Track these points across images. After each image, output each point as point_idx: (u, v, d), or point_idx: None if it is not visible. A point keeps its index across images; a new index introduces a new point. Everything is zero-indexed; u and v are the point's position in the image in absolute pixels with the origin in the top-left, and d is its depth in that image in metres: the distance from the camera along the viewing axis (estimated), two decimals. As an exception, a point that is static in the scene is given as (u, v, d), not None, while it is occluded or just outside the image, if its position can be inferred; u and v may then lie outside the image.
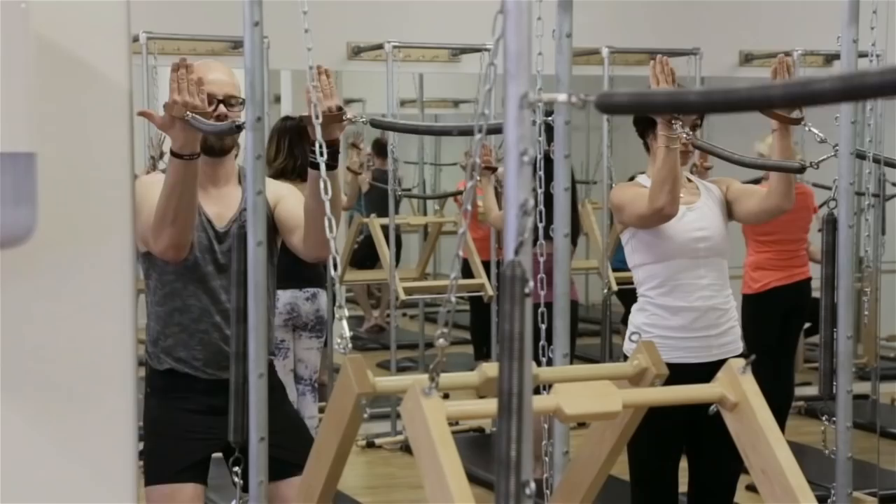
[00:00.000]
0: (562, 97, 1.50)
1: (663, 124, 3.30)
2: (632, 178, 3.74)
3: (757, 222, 3.81)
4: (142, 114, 3.03)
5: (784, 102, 1.30)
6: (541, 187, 3.14)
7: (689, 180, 3.63)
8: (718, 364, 3.40)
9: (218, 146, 3.08)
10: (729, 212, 3.63)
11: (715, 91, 1.36)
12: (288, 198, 3.13)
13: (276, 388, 3.07)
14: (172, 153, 2.89)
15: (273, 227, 3.08)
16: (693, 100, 1.39)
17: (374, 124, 3.42)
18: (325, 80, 2.77)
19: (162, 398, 3.09)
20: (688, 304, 3.46)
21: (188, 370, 3.06)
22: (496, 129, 1.60)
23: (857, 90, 1.22)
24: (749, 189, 3.66)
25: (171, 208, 2.89)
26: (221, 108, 3.03)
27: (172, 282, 3.07)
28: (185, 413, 3.05)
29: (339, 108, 2.74)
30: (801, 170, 3.53)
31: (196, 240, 3.05)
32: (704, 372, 3.13)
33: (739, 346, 3.55)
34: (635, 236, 3.54)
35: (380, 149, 8.73)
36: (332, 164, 2.79)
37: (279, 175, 4.98)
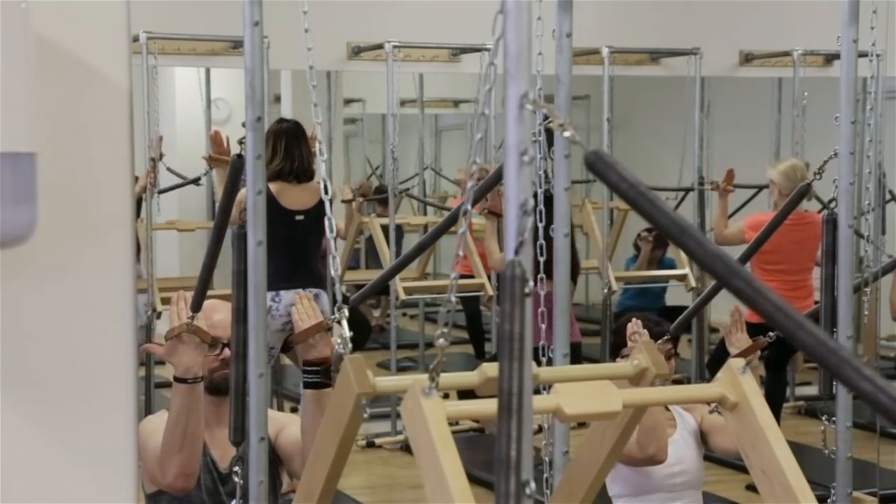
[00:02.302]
0: (557, 122, 1.49)
1: None
2: None
3: (726, 456, 3.86)
4: (146, 349, 3.08)
5: (802, 346, 1.24)
6: (540, 187, 3.14)
7: (667, 409, 3.65)
8: None
9: (224, 386, 3.02)
10: (703, 441, 3.66)
11: (724, 260, 1.27)
12: (289, 426, 3.10)
13: None
14: (176, 379, 2.89)
15: (274, 460, 3.04)
16: (696, 252, 1.29)
17: (356, 302, 3.45)
18: (307, 304, 2.81)
19: None
20: None
21: None
22: (495, 181, 1.59)
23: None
24: (721, 424, 3.63)
25: (178, 434, 2.88)
26: (226, 351, 3.01)
27: None
28: None
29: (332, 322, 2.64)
30: (808, 189, 3.58)
31: (202, 482, 3.04)
32: None
33: None
34: (615, 468, 3.58)
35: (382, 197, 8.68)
36: (326, 383, 2.79)
37: (276, 177, 4.97)
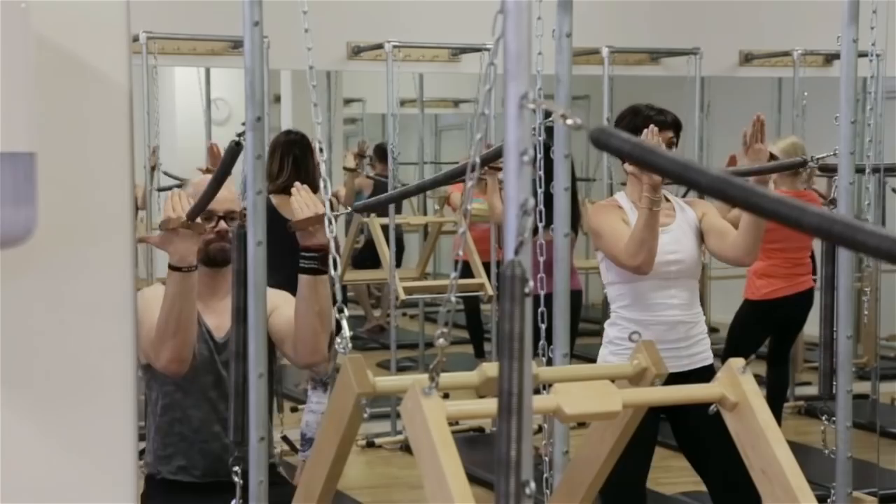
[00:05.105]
0: (558, 115, 1.49)
1: (650, 186, 3.35)
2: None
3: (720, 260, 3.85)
4: (140, 240, 3.14)
5: (810, 229, 1.24)
6: (541, 187, 3.14)
7: (667, 199, 3.63)
8: (689, 373, 3.48)
9: (220, 257, 3.14)
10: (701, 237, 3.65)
11: (731, 182, 1.28)
12: (282, 307, 3.14)
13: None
14: (171, 267, 2.96)
15: (271, 340, 3.08)
16: (702, 182, 1.31)
17: (357, 210, 3.45)
18: (305, 194, 2.86)
19: None
20: (658, 319, 3.53)
21: (186, 479, 3.13)
22: (496, 155, 1.60)
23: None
24: (720, 228, 3.63)
25: (171, 321, 2.96)
26: (222, 223, 3.12)
27: (172, 392, 3.13)
28: None
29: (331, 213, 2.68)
30: (804, 163, 3.57)
31: (197, 351, 3.11)
32: (676, 381, 3.17)
33: (710, 356, 3.62)
34: (608, 257, 3.58)
35: (381, 153, 8.70)
36: (323, 270, 2.85)
37: (282, 192, 4.94)
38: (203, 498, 3.10)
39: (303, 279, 2.94)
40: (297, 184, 2.94)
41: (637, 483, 3.60)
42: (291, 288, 3.22)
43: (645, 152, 1.43)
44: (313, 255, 2.89)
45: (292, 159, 5.09)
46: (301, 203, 2.86)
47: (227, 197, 3.16)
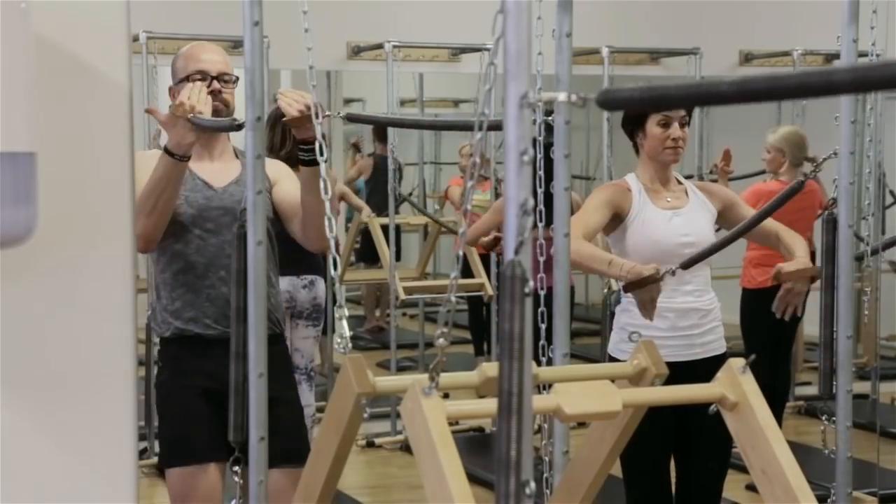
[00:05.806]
0: (562, 96, 1.50)
1: (636, 279, 3.29)
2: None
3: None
4: (148, 111, 3.18)
5: (846, 88, 1.23)
6: (541, 187, 3.14)
7: (679, 182, 3.62)
8: (701, 362, 3.46)
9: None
10: (718, 220, 3.63)
11: (748, 81, 1.27)
12: (284, 180, 3.22)
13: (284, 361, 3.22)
14: (166, 150, 3.01)
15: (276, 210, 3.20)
16: (724, 91, 1.31)
17: (352, 118, 3.50)
18: (290, 94, 2.91)
19: (174, 371, 3.16)
20: (670, 306, 3.48)
21: (198, 329, 3.13)
22: (496, 126, 1.60)
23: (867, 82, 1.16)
24: (767, 230, 3.66)
25: (150, 201, 3.01)
26: (215, 83, 3.15)
27: (173, 244, 3.15)
28: (197, 392, 3.11)
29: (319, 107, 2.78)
30: (801, 185, 3.59)
31: (192, 199, 3.15)
32: (688, 370, 3.16)
33: (723, 345, 3.57)
34: (622, 241, 3.55)
35: (380, 134, 8.74)
36: (314, 160, 2.89)
37: (285, 163, 4.95)
38: (216, 352, 3.06)
39: (304, 171, 3.01)
40: (280, 89, 2.98)
41: (661, 469, 3.58)
42: (275, 264, 3.26)
43: (655, 93, 1.44)
44: (311, 147, 2.91)
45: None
46: (289, 101, 2.89)
47: (219, 59, 3.21)
